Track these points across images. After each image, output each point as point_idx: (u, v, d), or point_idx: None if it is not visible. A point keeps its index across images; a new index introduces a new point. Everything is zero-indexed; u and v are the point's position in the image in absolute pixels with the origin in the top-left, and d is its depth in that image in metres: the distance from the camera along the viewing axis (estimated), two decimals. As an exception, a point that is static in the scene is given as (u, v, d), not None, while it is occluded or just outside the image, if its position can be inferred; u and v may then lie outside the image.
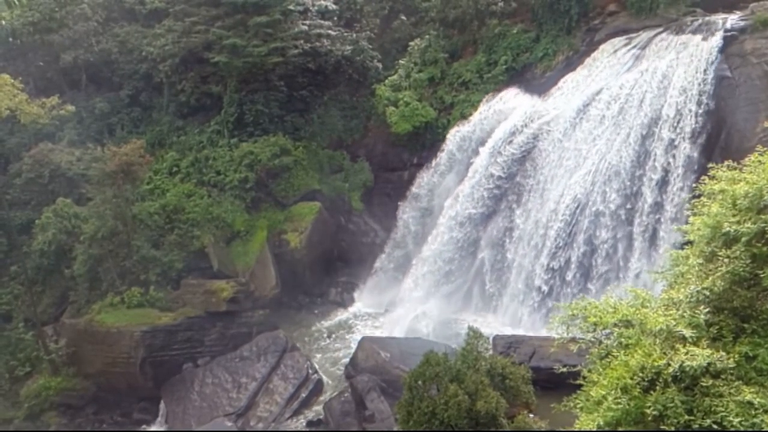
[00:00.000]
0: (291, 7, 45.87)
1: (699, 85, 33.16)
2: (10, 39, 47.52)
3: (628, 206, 34.53)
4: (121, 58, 48.70)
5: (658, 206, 33.66)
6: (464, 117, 43.47)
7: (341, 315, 43.32)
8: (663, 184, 33.52)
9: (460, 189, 41.01)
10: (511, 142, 39.39)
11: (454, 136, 43.41)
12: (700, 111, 32.87)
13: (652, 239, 33.68)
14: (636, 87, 35.37)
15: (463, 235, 40.20)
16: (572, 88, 39.27)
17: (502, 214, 39.68)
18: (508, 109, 41.41)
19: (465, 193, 40.45)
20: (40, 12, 46.16)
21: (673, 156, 33.23)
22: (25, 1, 47.12)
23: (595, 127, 36.20)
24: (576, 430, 12.38)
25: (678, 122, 33.34)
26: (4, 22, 47.26)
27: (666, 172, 33.47)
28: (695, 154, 32.81)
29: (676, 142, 33.27)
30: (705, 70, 33.36)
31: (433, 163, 44.59)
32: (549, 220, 36.47)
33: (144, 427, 36.30)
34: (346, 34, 49.37)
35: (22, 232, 41.55)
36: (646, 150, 34.21)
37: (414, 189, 45.30)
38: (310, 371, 36.07)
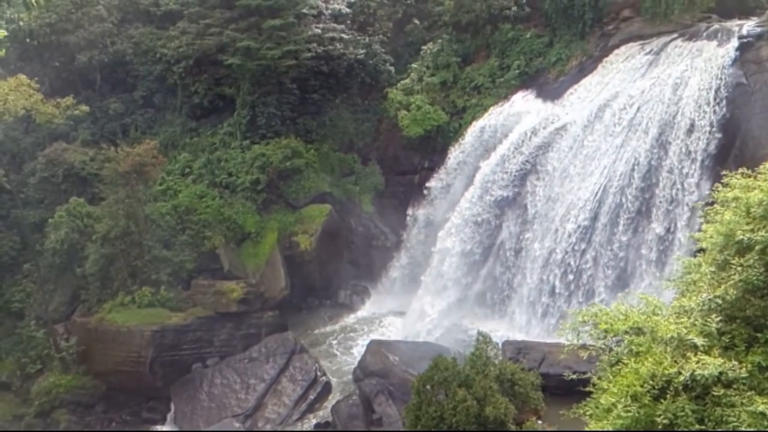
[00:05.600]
0: (305, 10, 46.04)
1: (714, 91, 32.76)
2: (28, 40, 47.99)
3: (641, 213, 34.27)
4: (135, 59, 49.04)
5: (671, 214, 33.40)
6: (476, 120, 43.23)
7: (350, 318, 43.34)
8: (676, 191, 33.25)
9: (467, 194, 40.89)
10: (524, 143, 39.18)
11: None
12: (715, 118, 32.51)
13: (665, 247, 33.40)
14: (650, 93, 35.08)
15: (473, 240, 40.02)
16: (585, 94, 39.00)
17: (512, 218, 39.52)
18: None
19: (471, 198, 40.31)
20: (57, 13, 46.56)
21: (687, 163, 32.94)
22: (43, 3, 47.58)
23: (608, 134, 35.94)
24: (586, 433, 12.31)
25: (692, 129, 33.02)
26: (22, 24, 47.71)
27: (679, 179, 33.19)
28: (709, 162, 32.50)
29: (689, 149, 32.94)
30: (720, 77, 32.97)
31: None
32: (560, 225, 36.27)
33: (148, 426, 36.46)
34: (359, 37, 49.41)
35: (35, 231, 41.90)
36: (659, 157, 33.94)
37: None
38: (319, 373, 36.09)
